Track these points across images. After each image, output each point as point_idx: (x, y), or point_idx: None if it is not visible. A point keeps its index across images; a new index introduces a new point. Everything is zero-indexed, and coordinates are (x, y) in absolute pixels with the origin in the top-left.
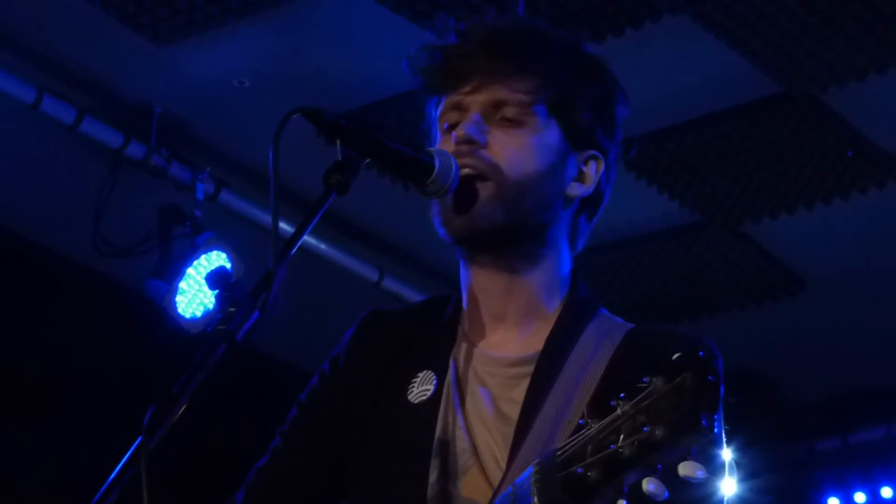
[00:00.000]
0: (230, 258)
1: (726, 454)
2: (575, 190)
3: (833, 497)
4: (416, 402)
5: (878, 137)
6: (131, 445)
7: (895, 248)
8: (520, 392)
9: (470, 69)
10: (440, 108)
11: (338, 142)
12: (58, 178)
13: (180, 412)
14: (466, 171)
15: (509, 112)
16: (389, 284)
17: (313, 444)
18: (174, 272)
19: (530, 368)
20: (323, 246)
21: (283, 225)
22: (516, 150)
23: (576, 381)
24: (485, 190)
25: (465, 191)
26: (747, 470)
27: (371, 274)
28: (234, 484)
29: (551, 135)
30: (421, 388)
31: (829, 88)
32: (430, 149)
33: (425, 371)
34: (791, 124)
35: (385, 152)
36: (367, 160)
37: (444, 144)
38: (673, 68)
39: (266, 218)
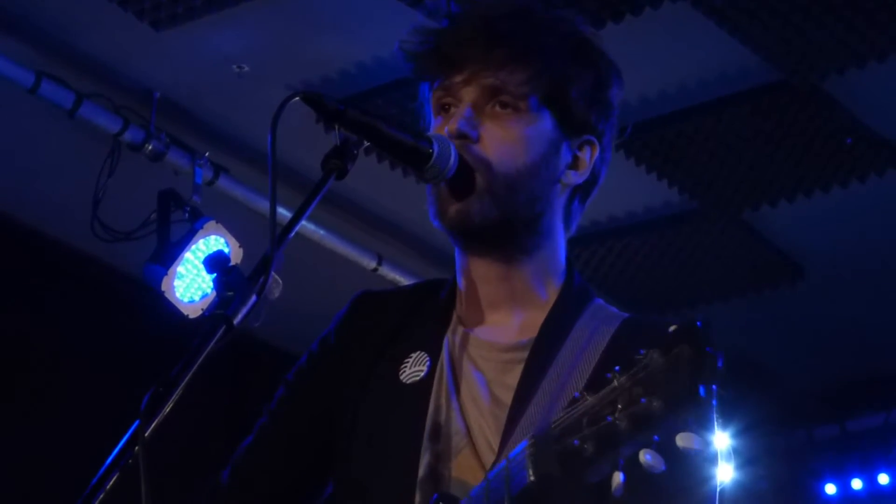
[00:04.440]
0: (228, 243)
1: (723, 439)
2: (569, 178)
3: (830, 484)
4: (408, 382)
5: (878, 125)
6: (129, 429)
7: (894, 235)
8: (514, 377)
9: (463, 57)
10: (433, 91)
11: (336, 126)
12: (56, 162)
13: (177, 396)
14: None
15: (502, 100)
16: (387, 270)
17: (301, 423)
18: (172, 257)
19: (525, 354)
20: (321, 231)
21: (281, 210)
22: (508, 143)
23: (570, 368)
24: (476, 184)
25: (460, 178)
26: (745, 457)
27: (369, 260)
28: None
29: (544, 124)
30: (413, 368)
31: (829, 76)
32: (429, 134)
33: (418, 352)
34: (791, 112)
35: (384, 137)
36: (366, 145)
37: (437, 131)
38: (673, 55)
39: (264, 202)
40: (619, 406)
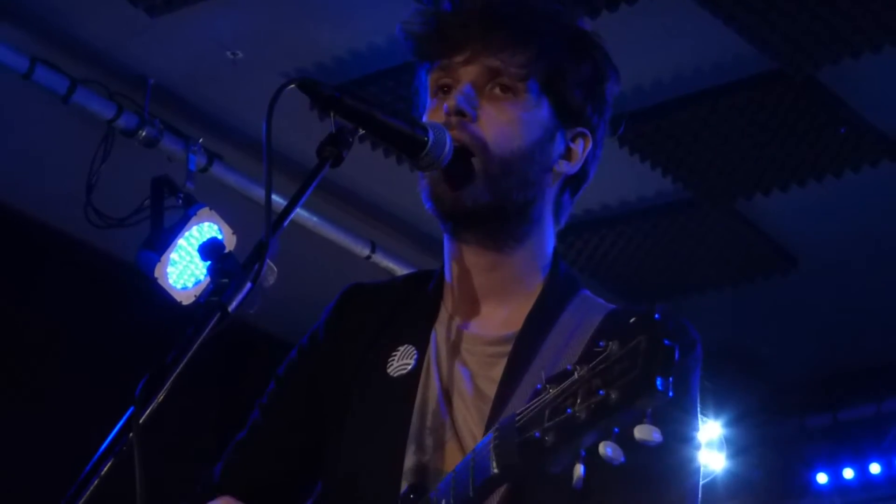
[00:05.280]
0: (221, 230)
1: (714, 428)
2: (561, 167)
3: (822, 473)
4: (395, 375)
5: (872, 115)
6: (123, 416)
7: (887, 225)
8: (498, 371)
9: (464, 38)
10: (431, 74)
11: (332, 114)
12: (50, 148)
13: (172, 383)
14: (455, 144)
15: (502, 82)
16: (381, 258)
17: (292, 418)
18: (166, 243)
19: (509, 348)
20: (315, 219)
21: (275, 197)
22: (505, 124)
23: (554, 361)
24: (473, 169)
25: (457, 165)
26: (737, 446)
27: (363, 247)
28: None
29: (541, 110)
30: (401, 362)
31: (823, 66)
32: (424, 122)
33: (406, 345)
34: (785, 101)
35: (379, 125)
36: (361, 132)
37: (434, 112)
38: (668, 44)
39: (258, 190)
40: (579, 398)
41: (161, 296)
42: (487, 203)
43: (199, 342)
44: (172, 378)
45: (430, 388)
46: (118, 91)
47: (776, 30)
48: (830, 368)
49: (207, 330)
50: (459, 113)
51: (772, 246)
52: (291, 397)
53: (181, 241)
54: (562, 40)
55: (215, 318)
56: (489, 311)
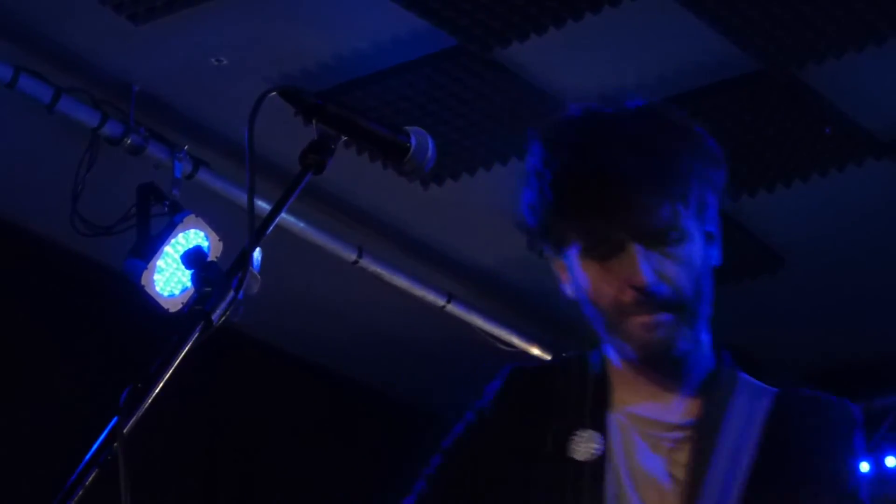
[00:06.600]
0: (208, 237)
1: None
2: (713, 260)
3: None
4: (582, 459)
5: (856, 114)
6: (108, 425)
7: (873, 224)
8: (684, 455)
9: (626, 203)
10: (578, 237)
11: (314, 121)
12: (35, 157)
13: (156, 392)
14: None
15: (669, 237)
16: (368, 263)
17: (460, 494)
18: (152, 251)
19: (690, 433)
20: (301, 224)
21: (261, 203)
22: (685, 272)
23: (735, 445)
24: (672, 322)
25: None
26: None
27: (349, 252)
28: (212, 463)
29: (698, 236)
30: (586, 446)
31: (807, 66)
32: (406, 127)
33: (587, 430)
34: (769, 102)
35: (362, 132)
36: (344, 139)
37: (603, 286)
38: (651, 46)
39: (244, 196)
40: None
41: (148, 303)
42: (692, 346)
43: (183, 352)
44: (157, 388)
45: (618, 474)
46: (103, 99)
47: (759, 30)
48: (819, 368)
49: (191, 339)
50: (649, 290)
51: (758, 246)
52: (460, 472)
53: (168, 249)
54: (704, 164)
55: (199, 328)
56: (663, 399)
